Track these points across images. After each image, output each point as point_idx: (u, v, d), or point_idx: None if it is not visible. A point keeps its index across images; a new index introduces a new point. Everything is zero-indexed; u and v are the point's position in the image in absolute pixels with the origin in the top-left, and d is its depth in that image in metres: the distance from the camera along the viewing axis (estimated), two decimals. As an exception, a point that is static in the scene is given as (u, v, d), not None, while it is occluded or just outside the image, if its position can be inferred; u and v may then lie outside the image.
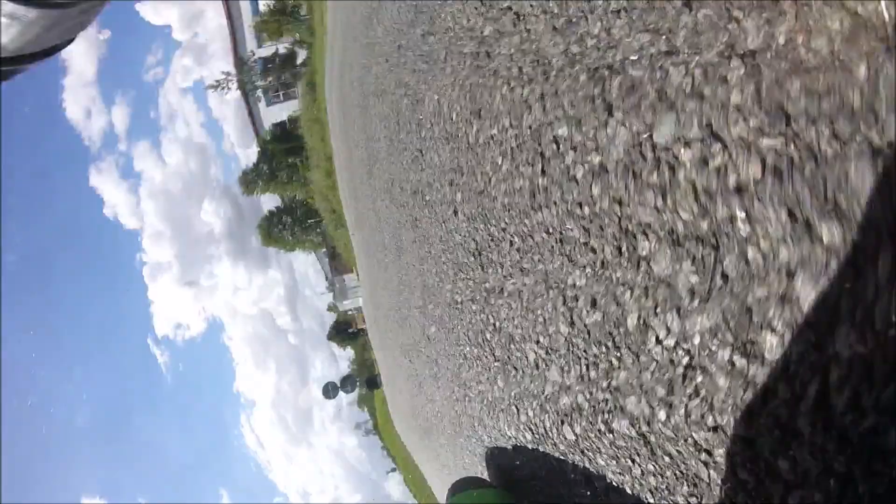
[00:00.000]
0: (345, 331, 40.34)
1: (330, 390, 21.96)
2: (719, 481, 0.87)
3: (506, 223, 1.62)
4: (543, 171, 1.35)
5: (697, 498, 0.93)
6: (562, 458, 1.46)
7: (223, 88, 32.03)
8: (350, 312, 35.73)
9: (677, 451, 0.96)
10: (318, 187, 26.05)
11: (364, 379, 24.59)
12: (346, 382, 22.13)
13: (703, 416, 0.88)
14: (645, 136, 0.97)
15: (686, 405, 0.91)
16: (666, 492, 1.02)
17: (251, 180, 32.73)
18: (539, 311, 1.46)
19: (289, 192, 33.08)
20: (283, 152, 31.41)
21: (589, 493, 1.32)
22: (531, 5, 1.46)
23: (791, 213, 0.71)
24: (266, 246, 36.88)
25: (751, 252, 0.77)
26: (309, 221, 33.18)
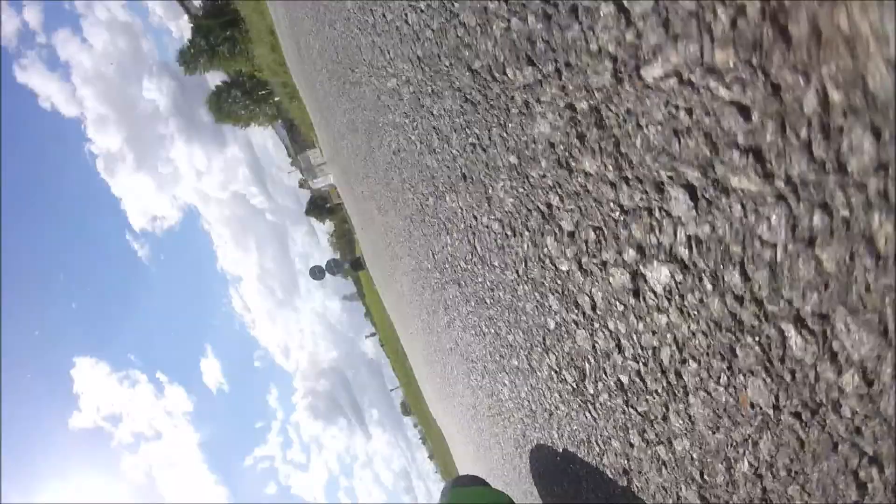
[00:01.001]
0: (322, 206, 40.27)
1: (317, 273, 22.51)
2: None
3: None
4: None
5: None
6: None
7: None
8: (324, 189, 35.39)
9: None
10: (264, 62, 24.40)
11: (350, 261, 25.13)
12: (333, 265, 22.60)
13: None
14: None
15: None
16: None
17: (190, 59, 30.41)
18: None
19: (234, 66, 30.97)
20: (218, 26, 28.89)
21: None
22: None
23: None
24: (219, 122, 35.28)
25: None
26: (260, 93, 31.50)
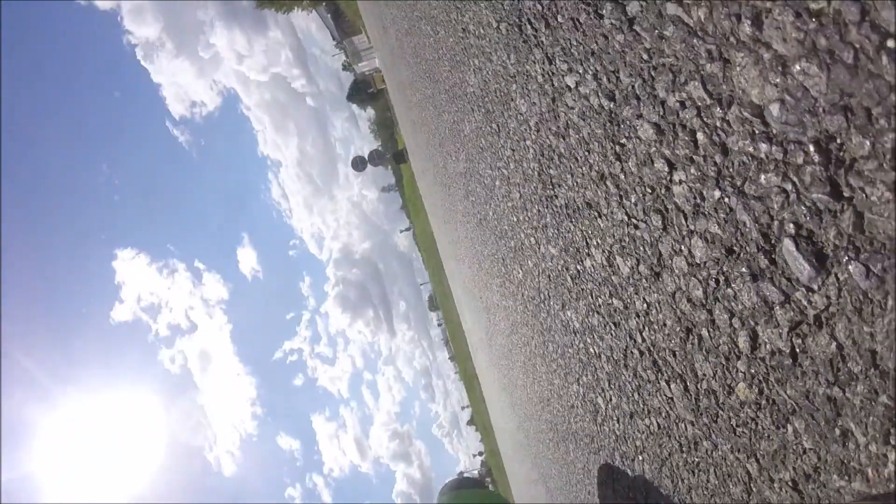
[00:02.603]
0: (364, 91, 39.40)
1: (359, 164, 22.55)
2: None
3: None
4: None
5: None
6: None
7: None
8: (368, 73, 34.47)
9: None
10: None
11: (392, 153, 24.94)
12: (375, 156, 22.54)
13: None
14: None
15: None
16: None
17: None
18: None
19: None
20: None
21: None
22: None
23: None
24: (260, 6, 34.07)
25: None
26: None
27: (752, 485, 1.02)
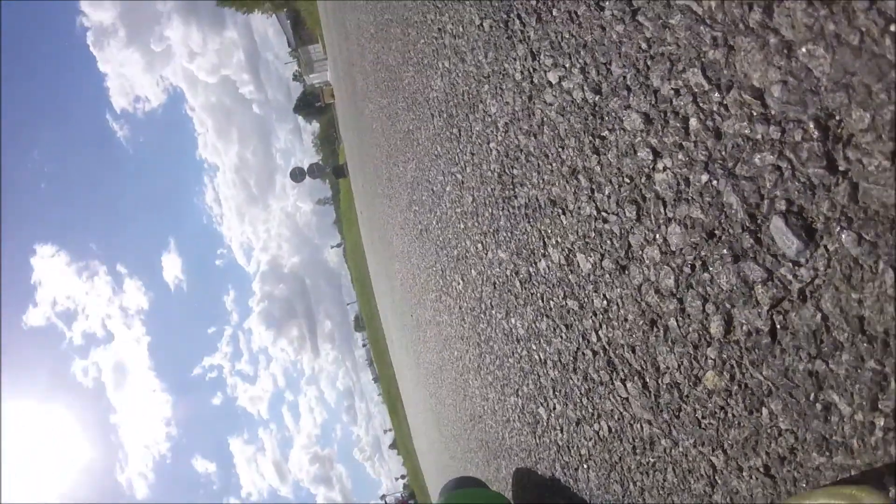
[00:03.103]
0: (312, 104, 38.95)
1: (298, 174, 22.13)
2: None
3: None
4: None
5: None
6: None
7: None
8: (317, 85, 34.16)
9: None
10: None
11: (332, 167, 24.70)
12: (315, 169, 22.22)
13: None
14: None
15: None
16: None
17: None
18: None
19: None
20: None
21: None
22: None
23: None
24: (221, 5, 33.39)
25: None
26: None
27: (716, 477, 0.99)
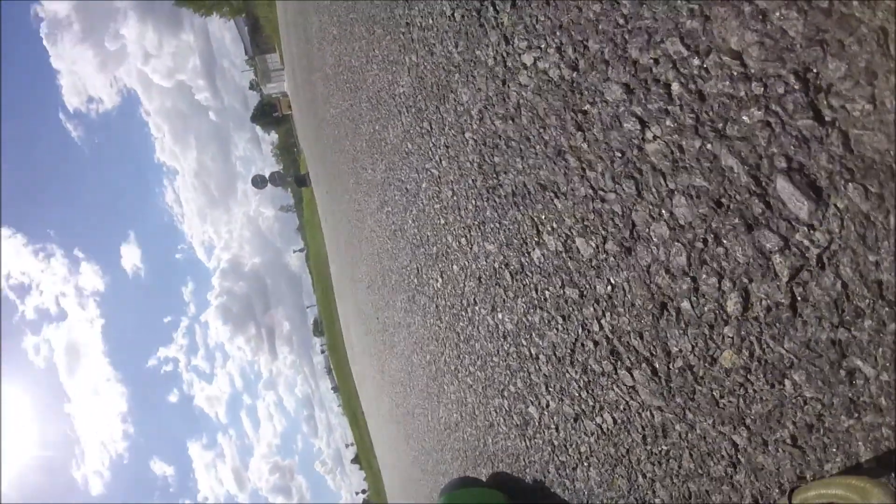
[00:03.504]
0: (269, 114, 38.32)
1: (259, 182, 21.75)
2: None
3: None
4: None
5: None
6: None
7: None
8: (275, 95, 33.65)
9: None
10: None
11: (294, 176, 24.35)
12: (276, 177, 21.90)
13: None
14: None
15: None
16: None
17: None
18: None
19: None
20: None
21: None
22: None
23: None
24: (179, 5, 32.63)
25: None
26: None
27: (739, 456, 0.93)
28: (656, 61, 0.96)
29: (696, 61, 0.89)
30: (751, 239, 0.86)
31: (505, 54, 1.45)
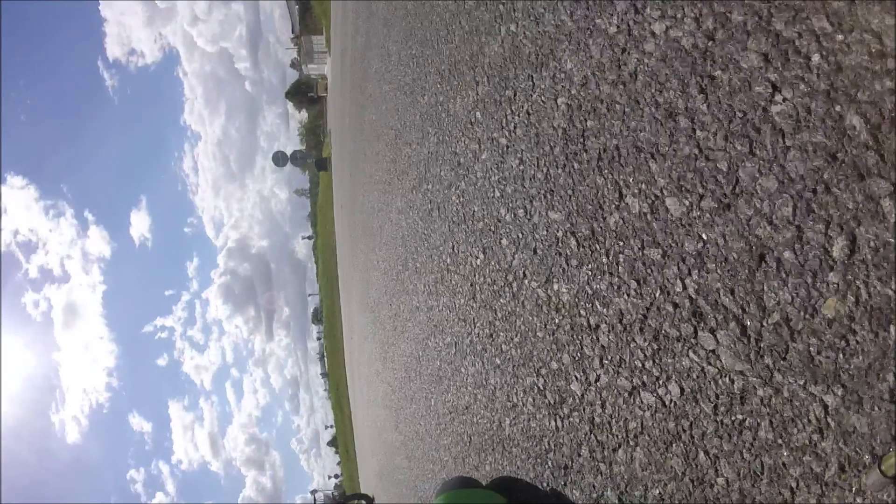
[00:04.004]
0: (304, 93, 38.56)
1: (280, 158, 21.75)
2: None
3: None
4: None
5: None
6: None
7: None
8: (314, 77, 33.87)
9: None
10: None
11: (315, 160, 24.37)
12: (298, 156, 21.90)
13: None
14: None
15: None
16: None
17: None
18: None
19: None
20: None
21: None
22: None
23: None
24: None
25: None
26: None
27: (828, 419, 0.88)
28: (800, 35, 1.00)
29: (839, 37, 0.94)
30: (862, 186, 0.88)
31: (632, 22, 1.43)
